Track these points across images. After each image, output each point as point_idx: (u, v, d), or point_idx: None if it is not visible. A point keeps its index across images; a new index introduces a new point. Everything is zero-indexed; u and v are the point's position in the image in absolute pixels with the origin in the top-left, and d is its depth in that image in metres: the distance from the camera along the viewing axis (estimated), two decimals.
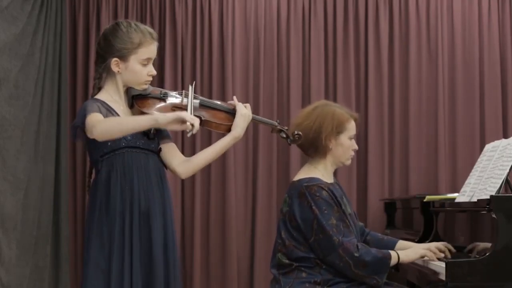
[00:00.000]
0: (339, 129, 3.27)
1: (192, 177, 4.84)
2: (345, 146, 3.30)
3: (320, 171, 3.29)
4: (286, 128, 3.23)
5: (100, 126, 2.71)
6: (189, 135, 2.74)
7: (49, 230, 4.75)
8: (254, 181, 5.07)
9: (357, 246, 3.10)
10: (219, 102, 3.12)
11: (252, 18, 5.12)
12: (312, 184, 3.18)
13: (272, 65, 5.11)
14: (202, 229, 5.03)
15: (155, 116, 2.74)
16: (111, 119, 2.79)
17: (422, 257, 3.24)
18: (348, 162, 3.36)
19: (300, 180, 3.24)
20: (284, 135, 3.22)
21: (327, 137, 3.24)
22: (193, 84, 3.01)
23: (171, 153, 3.02)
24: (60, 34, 4.96)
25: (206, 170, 4.96)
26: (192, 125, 2.71)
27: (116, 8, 5.12)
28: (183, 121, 2.70)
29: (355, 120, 3.35)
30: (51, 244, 4.76)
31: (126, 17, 5.07)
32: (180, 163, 3.03)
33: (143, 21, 5.09)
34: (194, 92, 2.96)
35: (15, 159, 4.38)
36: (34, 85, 4.63)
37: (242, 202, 5.06)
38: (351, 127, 3.31)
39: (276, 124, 3.24)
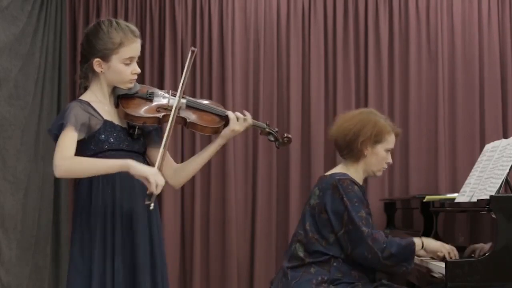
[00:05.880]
0: (377, 138, 3.30)
1: (192, 177, 4.82)
2: (379, 156, 3.33)
3: (352, 174, 3.31)
4: (276, 130, 3.12)
5: (64, 166, 2.66)
6: (147, 202, 2.64)
7: (49, 230, 4.75)
8: (254, 181, 5.06)
9: (386, 237, 3.15)
10: (208, 103, 3.04)
11: (252, 18, 5.12)
12: (345, 178, 3.23)
13: (272, 65, 5.10)
14: (202, 229, 5.02)
15: (129, 164, 2.66)
16: (79, 161, 2.70)
17: (441, 251, 3.23)
18: (379, 173, 3.39)
19: (332, 174, 3.29)
20: (272, 138, 3.11)
21: (364, 142, 3.27)
22: (194, 51, 2.93)
23: None
24: (60, 33, 4.96)
25: (206, 170, 4.95)
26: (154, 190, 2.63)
27: (116, 8, 5.11)
28: (148, 181, 2.63)
29: (397, 136, 3.38)
30: (51, 244, 4.76)
31: (126, 17, 5.06)
32: (171, 175, 3.00)
33: (142, 21, 5.09)
34: (184, 93, 2.90)
35: (15, 159, 4.37)
36: (34, 85, 4.62)
37: (242, 202, 5.05)
38: (390, 140, 3.35)
39: (265, 126, 3.12)
